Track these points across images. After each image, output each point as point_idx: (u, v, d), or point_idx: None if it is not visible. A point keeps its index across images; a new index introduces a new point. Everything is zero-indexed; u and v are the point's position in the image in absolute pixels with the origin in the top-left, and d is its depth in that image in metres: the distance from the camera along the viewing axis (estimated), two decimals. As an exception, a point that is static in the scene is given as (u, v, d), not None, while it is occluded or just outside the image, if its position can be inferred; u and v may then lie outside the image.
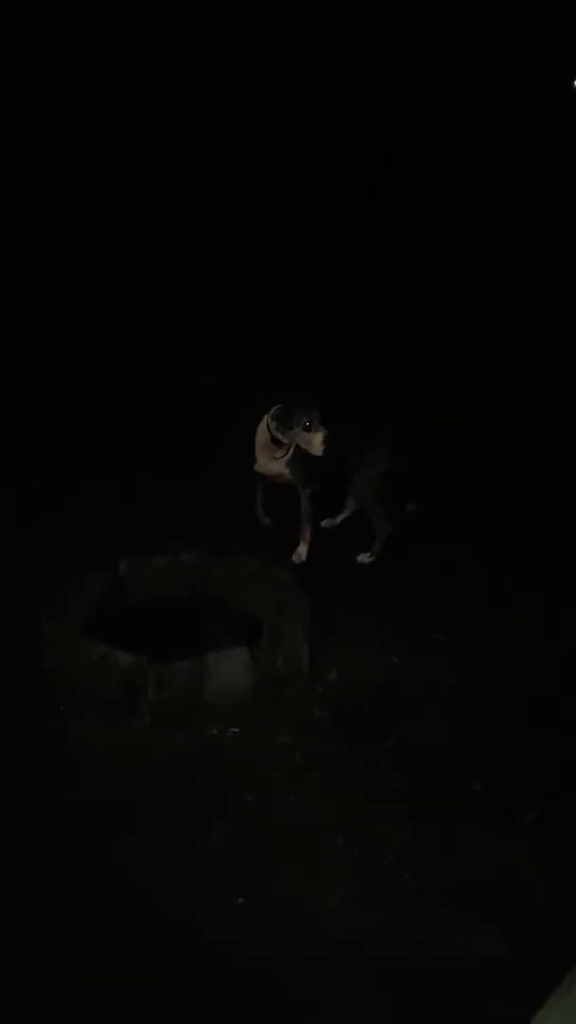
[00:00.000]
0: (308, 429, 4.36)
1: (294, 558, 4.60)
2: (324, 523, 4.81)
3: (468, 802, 3.39)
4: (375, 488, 4.61)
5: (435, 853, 3.19)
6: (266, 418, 4.49)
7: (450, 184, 9.79)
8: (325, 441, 4.34)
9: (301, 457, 4.46)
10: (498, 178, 10.04)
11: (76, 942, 2.87)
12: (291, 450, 4.47)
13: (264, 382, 5.40)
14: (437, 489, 5.26)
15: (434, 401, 6.07)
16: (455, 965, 2.85)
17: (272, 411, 4.48)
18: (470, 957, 2.88)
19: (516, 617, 4.33)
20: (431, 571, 4.63)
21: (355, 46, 11.81)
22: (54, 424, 5.95)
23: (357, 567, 4.64)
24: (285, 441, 4.45)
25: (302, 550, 4.62)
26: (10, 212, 8.35)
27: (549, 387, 6.33)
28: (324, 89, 11.49)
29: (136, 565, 4.18)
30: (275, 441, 4.47)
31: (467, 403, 6.09)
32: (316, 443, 4.36)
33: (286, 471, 4.54)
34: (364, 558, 4.68)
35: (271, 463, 4.54)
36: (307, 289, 7.59)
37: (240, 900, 3.03)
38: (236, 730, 3.66)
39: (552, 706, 3.83)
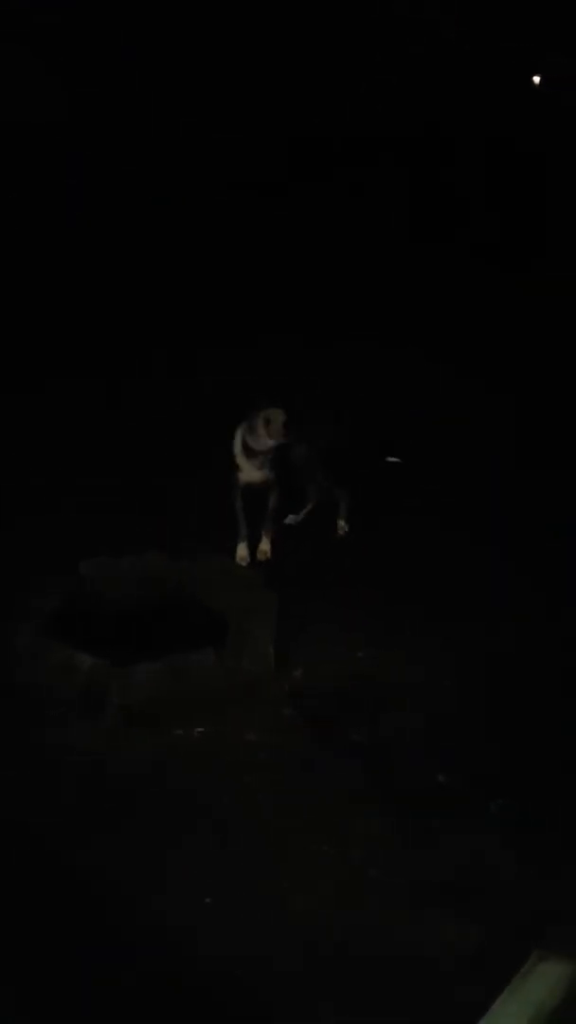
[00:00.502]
0: (268, 422, 4.44)
1: (259, 555, 4.61)
2: (288, 519, 4.82)
3: (434, 795, 3.39)
4: (318, 462, 4.76)
5: (405, 848, 3.18)
6: (239, 431, 4.56)
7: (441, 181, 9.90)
8: (285, 425, 4.44)
9: (281, 462, 4.55)
10: (493, 174, 10.15)
11: (44, 947, 2.84)
12: (269, 456, 4.53)
13: (229, 387, 5.47)
14: (400, 482, 5.32)
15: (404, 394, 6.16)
16: (427, 959, 2.84)
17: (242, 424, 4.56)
18: (441, 951, 2.87)
19: (479, 611, 4.35)
20: (395, 567, 4.65)
21: (355, 46, 11.88)
22: (15, 428, 5.94)
23: (322, 565, 4.65)
24: (258, 449, 4.52)
25: (266, 547, 4.64)
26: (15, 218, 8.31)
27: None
28: (322, 92, 11.56)
29: (98, 567, 4.16)
30: (249, 450, 4.54)
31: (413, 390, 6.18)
32: (276, 429, 4.45)
33: (270, 476, 4.59)
34: (342, 525, 4.87)
35: (253, 472, 4.60)
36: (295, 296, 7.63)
37: (207, 900, 3.01)
38: (202, 730, 3.65)
39: (514, 696, 3.85)
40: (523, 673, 3.98)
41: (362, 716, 3.73)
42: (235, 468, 4.58)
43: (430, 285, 7.94)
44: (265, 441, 4.49)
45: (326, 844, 3.20)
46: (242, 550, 4.62)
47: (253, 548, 4.65)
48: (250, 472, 4.59)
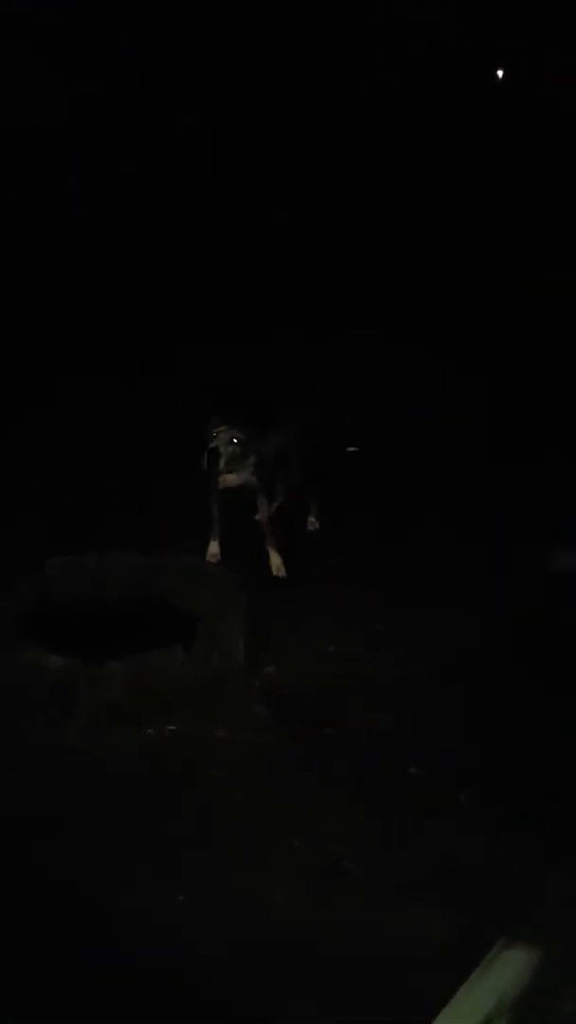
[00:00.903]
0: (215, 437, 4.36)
1: (274, 572, 4.53)
2: (256, 516, 4.81)
3: (409, 789, 3.39)
4: (290, 458, 4.72)
5: (378, 842, 3.18)
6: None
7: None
8: (230, 440, 4.34)
9: (266, 467, 4.47)
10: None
11: (18, 952, 2.81)
12: (252, 461, 4.45)
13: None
14: (374, 482, 5.33)
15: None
16: (403, 954, 2.83)
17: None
18: (417, 945, 2.86)
19: (449, 605, 4.35)
20: (366, 563, 4.65)
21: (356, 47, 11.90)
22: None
23: (292, 562, 4.62)
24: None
25: (278, 561, 4.56)
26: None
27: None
28: (323, 93, 11.59)
29: (65, 566, 4.14)
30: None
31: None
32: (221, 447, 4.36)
33: (252, 480, 4.50)
34: (312, 521, 4.88)
35: (229, 478, 4.49)
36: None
37: (180, 898, 3.00)
38: (173, 728, 3.64)
39: (484, 688, 3.86)
40: (493, 666, 3.99)
41: (334, 711, 3.73)
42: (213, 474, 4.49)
43: (425, 286, 7.96)
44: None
45: (298, 839, 3.20)
46: (213, 548, 4.57)
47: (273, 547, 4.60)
48: (229, 478, 4.50)
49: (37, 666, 3.60)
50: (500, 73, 12.43)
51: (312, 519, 4.91)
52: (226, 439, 4.34)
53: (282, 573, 4.54)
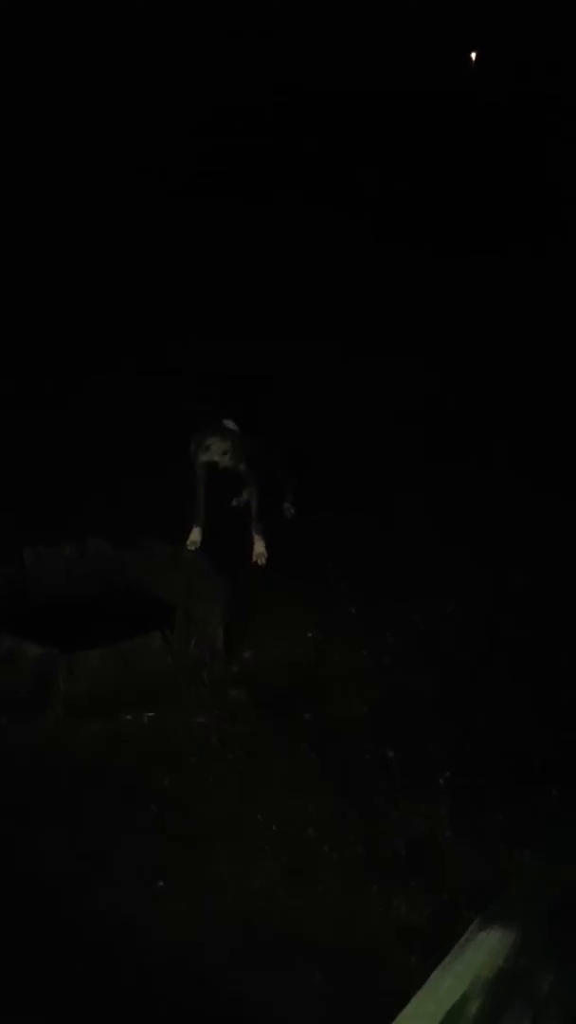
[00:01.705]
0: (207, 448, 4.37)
1: (256, 559, 4.54)
2: (234, 502, 4.81)
3: (385, 773, 3.41)
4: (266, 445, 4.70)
5: (355, 825, 3.21)
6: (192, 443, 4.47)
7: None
8: (224, 452, 4.37)
9: (253, 454, 4.46)
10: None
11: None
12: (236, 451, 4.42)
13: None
14: (342, 464, 5.34)
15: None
16: (379, 935, 2.87)
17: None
18: (394, 926, 2.90)
19: (425, 592, 4.38)
20: (341, 550, 4.66)
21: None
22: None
23: (268, 548, 4.63)
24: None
25: (261, 549, 4.57)
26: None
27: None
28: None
29: (41, 555, 4.12)
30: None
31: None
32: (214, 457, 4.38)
33: (242, 467, 4.49)
34: (287, 507, 4.91)
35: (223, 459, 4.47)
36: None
37: (160, 884, 3.01)
38: (152, 714, 3.64)
39: (460, 673, 3.89)
40: (467, 652, 4.02)
41: (312, 696, 3.75)
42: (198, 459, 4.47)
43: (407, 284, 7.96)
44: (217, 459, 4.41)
45: (277, 823, 3.22)
46: (195, 535, 4.57)
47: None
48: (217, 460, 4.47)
49: (13, 655, 3.59)
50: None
51: (287, 505, 4.92)
52: (216, 427, 4.35)
53: (263, 560, 4.54)
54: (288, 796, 3.32)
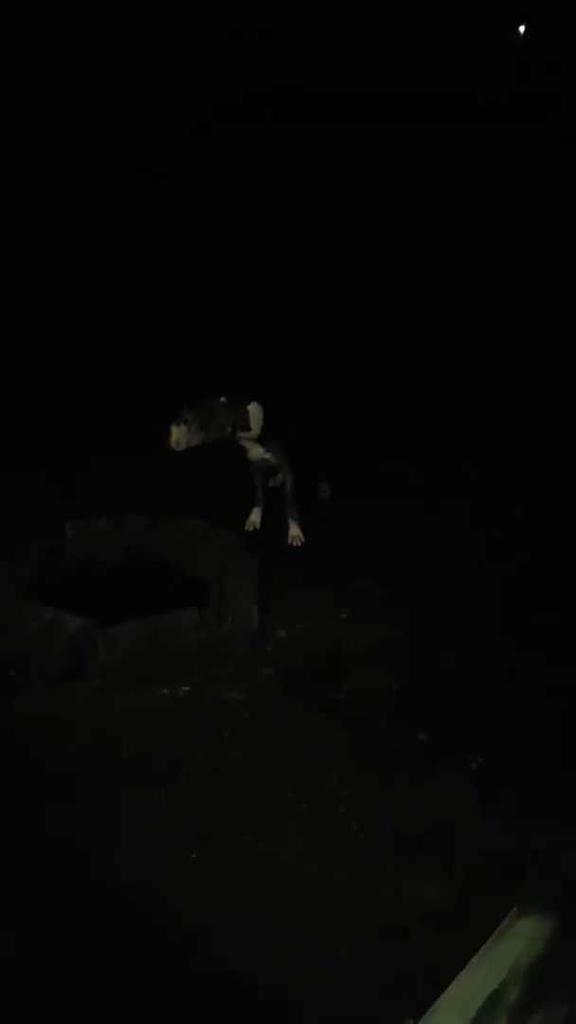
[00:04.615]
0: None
1: (291, 541, 4.57)
2: (271, 482, 4.84)
3: (414, 753, 3.45)
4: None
5: (383, 804, 3.25)
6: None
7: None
8: (176, 441, 4.25)
9: (275, 441, 4.44)
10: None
11: (33, 913, 2.88)
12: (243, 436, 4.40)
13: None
14: (379, 446, 5.37)
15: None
16: (404, 913, 2.91)
17: None
18: (418, 905, 2.93)
19: (458, 573, 4.42)
20: (375, 530, 4.71)
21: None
22: (9, 385, 5.92)
23: (303, 527, 4.67)
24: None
25: (296, 531, 4.59)
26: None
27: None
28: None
29: (81, 529, 4.18)
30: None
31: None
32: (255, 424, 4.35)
33: (267, 456, 4.50)
34: (324, 488, 4.93)
35: (251, 450, 4.48)
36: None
37: (193, 856, 3.07)
38: (188, 689, 3.70)
39: (493, 655, 3.92)
40: (499, 634, 4.05)
41: (345, 675, 3.79)
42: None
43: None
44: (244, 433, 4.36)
45: (306, 800, 3.27)
46: (254, 515, 4.63)
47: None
48: (252, 454, 4.51)
49: (53, 628, 3.65)
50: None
51: (324, 486, 4.94)
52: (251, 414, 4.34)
53: (298, 543, 4.57)
54: (317, 774, 3.37)
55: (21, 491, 4.78)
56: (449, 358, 6.36)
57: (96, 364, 6.21)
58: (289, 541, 4.58)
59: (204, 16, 12.35)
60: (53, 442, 5.28)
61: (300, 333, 6.32)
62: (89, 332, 6.68)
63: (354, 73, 12.68)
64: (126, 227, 8.75)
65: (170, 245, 8.40)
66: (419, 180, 10.37)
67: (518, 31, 13.65)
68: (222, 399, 4.28)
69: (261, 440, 4.40)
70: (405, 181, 10.31)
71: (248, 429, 4.32)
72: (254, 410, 4.31)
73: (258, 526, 4.63)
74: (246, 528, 4.60)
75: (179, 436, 4.20)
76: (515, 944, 1.60)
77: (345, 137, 11.56)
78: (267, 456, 4.49)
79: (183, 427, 4.20)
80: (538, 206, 9.47)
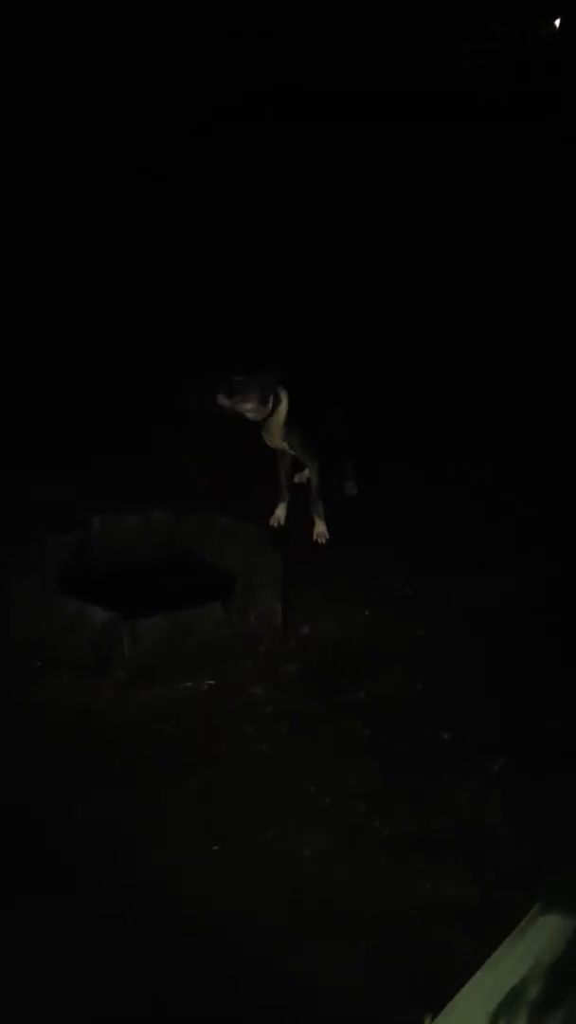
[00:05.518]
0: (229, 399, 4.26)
1: (316, 538, 4.56)
2: (296, 479, 4.84)
3: (437, 752, 3.45)
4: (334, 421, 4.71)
5: (405, 802, 3.25)
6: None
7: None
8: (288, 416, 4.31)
9: (296, 431, 4.41)
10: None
11: (53, 902, 2.90)
12: (270, 421, 4.36)
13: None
14: (408, 448, 5.37)
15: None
16: (426, 911, 2.91)
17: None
18: (440, 903, 2.93)
19: (484, 569, 4.41)
20: (399, 527, 4.70)
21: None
22: (25, 382, 5.96)
23: (327, 524, 4.67)
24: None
25: (321, 528, 4.57)
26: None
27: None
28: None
29: (106, 523, 4.19)
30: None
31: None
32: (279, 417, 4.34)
33: (284, 445, 4.48)
34: (350, 486, 4.91)
35: (268, 437, 4.45)
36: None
37: (215, 848, 3.08)
38: (211, 683, 3.71)
39: (518, 655, 3.91)
40: (522, 633, 4.03)
41: (368, 673, 3.79)
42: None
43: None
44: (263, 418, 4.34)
45: (329, 796, 3.27)
46: (279, 510, 4.63)
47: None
48: (269, 439, 4.48)
49: (79, 621, 3.67)
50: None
51: (349, 484, 4.94)
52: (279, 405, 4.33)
53: (323, 540, 4.57)
54: (339, 770, 3.37)
55: (21, 491, 4.80)
56: (449, 358, 6.34)
57: (96, 364, 6.22)
58: (314, 537, 4.57)
59: (204, 16, 12.39)
60: (53, 442, 5.28)
61: (300, 333, 6.30)
62: (89, 332, 6.69)
63: (354, 73, 12.73)
64: (126, 227, 8.78)
65: (170, 245, 8.41)
66: (419, 180, 10.35)
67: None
68: (268, 376, 4.28)
69: (286, 428, 4.38)
70: (405, 181, 10.30)
71: (274, 413, 4.31)
72: (284, 397, 4.32)
73: (283, 522, 4.62)
74: (271, 524, 4.59)
75: (255, 405, 4.22)
76: (537, 941, 1.59)
77: (345, 137, 11.60)
78: (285, 445, 4.46)
79: (252, 395, 4.21)
80: (538, 206, 9.43)
